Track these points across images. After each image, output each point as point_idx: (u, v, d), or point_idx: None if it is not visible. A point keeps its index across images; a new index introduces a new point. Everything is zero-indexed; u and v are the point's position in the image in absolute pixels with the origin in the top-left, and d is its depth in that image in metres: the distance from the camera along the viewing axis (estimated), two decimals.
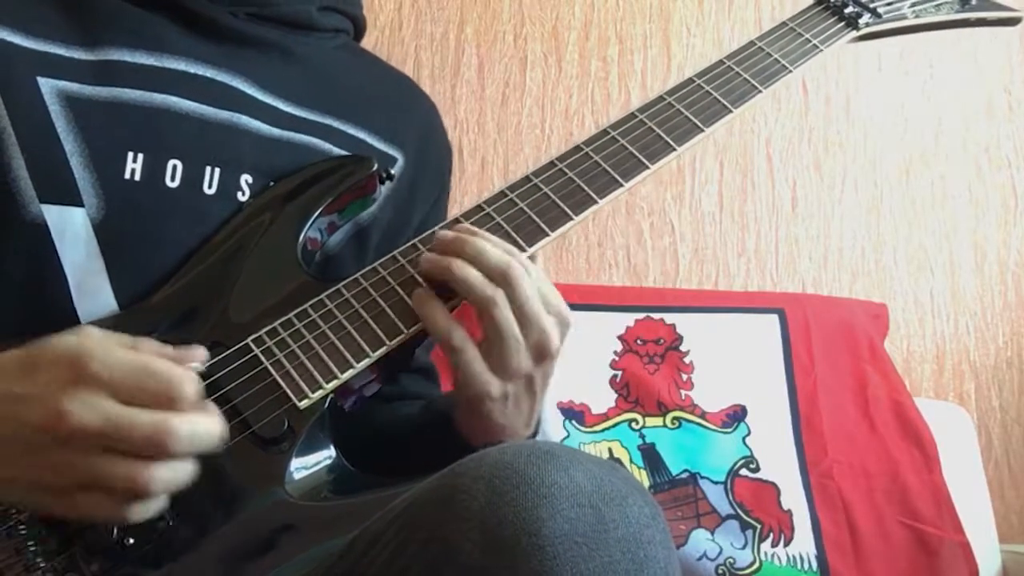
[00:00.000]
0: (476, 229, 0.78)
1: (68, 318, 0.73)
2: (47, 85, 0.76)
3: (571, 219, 0.82)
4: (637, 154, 0.84)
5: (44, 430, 0.57)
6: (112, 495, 0.59)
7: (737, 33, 1.82)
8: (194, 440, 0.59)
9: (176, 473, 0.60)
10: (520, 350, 0.73)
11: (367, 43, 1.06)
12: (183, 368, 0.61)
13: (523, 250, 0.79)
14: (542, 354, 0.74)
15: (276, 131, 0.85)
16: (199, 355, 0.67)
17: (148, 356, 0.61)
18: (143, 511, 0.60)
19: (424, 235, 0.80)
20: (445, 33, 1.73)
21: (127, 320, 0.74)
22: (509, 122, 1.74)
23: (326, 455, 0.74)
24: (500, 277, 0.73)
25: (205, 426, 0.60)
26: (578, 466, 0.59)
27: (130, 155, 0.77)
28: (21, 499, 0.61)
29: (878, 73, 1.90)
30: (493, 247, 0.75)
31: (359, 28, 1.01)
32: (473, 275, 0.74)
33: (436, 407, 0.88)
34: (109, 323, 0.73)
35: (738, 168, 1.82)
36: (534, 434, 0.81)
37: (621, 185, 0.83)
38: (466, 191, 1.67)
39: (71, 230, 0.74)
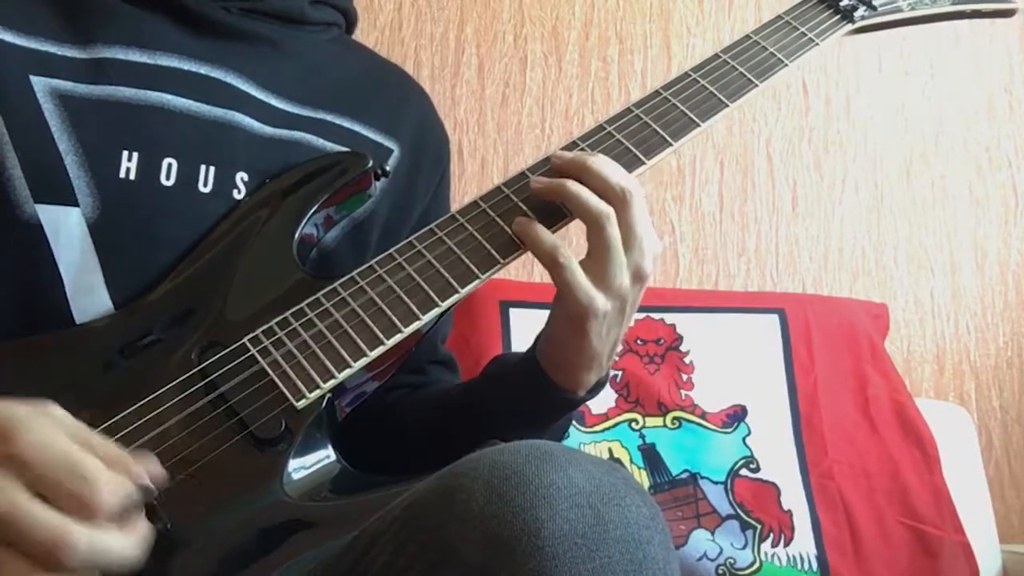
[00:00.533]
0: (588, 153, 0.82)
1: (63, 318, 0.73)
2: (40, 84, 0.76)
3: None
4: (633, 149, 0.84)
5: None
6: None
7: (737, 32, 1.80)
8: (94, 558, 0.54)
9: None
10: (623, 267, 0.77)
11: (367, 43, 1.06)
12: (117, 476, 0.56)
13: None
14: (639, 275, 0.78)
15: (270, 129, 0.85)
16: (151, 471, 0.60)
17: (83, 454, 0.55)
18: None
19: (421, 232, 0.80)
20: (445, 33, 1.73)
21: (123, 320, 0.74)
22: (509, 122, 1.74)
23: (324, 455, 0.74)
24: (617, 196, 0.77)
25: (111, 545, 0.55)
26: (576, 466, 0.59)
27: (124, 154, 0.77)
28: None
29: (878, 73, 1.90)
30: (614, 168, 0.79)
31: (350, 21, 1.01)
32: (586, 192, 0.78)
33: (508, 359, 0.89)
34: (105, 322, 0.74)
35: (738, 168, 1.81)
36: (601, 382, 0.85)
37: None
38: (466, 191, 1.67)
39: (66, 230, 0.74)
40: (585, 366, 0.81)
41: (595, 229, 0.77)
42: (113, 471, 0.56)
